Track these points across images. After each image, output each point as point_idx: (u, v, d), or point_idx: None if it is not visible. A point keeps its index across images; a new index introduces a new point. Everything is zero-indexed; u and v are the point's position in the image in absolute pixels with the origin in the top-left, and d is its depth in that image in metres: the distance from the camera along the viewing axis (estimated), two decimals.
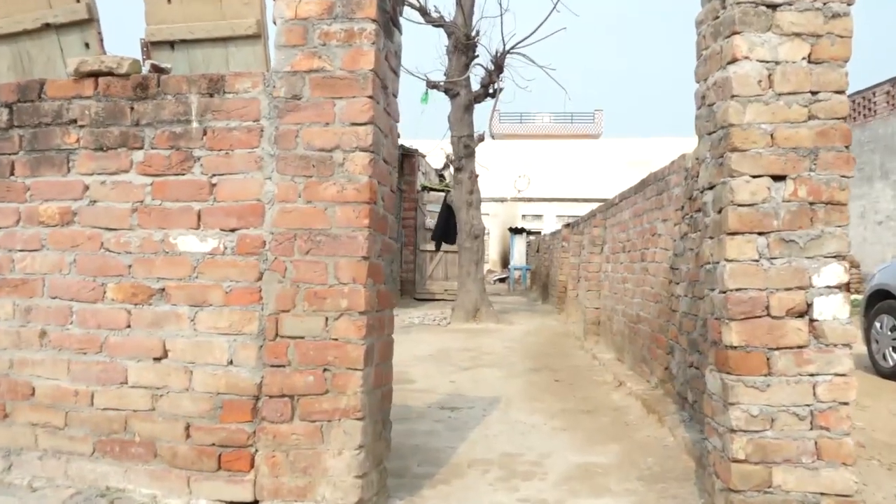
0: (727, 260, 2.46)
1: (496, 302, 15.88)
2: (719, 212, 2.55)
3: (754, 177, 2.45)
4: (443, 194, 14.71)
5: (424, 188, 15.94)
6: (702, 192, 2.76)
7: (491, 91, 11.17)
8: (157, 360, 2.73)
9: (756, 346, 2.42)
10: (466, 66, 10.74)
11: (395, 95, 3.00)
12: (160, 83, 2.78)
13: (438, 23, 10.77)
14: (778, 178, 2.46)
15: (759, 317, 2.43)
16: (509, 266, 23.64)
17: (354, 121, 2.63)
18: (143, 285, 2.76)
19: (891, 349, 6.02)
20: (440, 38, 11.11)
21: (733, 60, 2.46)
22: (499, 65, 10.94)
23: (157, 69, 2.84)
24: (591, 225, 8.68)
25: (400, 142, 14.86)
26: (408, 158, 15.11)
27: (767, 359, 2.42)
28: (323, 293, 2.62)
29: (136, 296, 2.76)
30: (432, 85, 11.11)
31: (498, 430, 4.21)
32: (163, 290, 2.75)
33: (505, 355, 7.64)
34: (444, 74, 10.95)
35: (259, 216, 2.68)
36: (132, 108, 2.79)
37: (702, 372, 3.86)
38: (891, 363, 6.00)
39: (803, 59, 2.45)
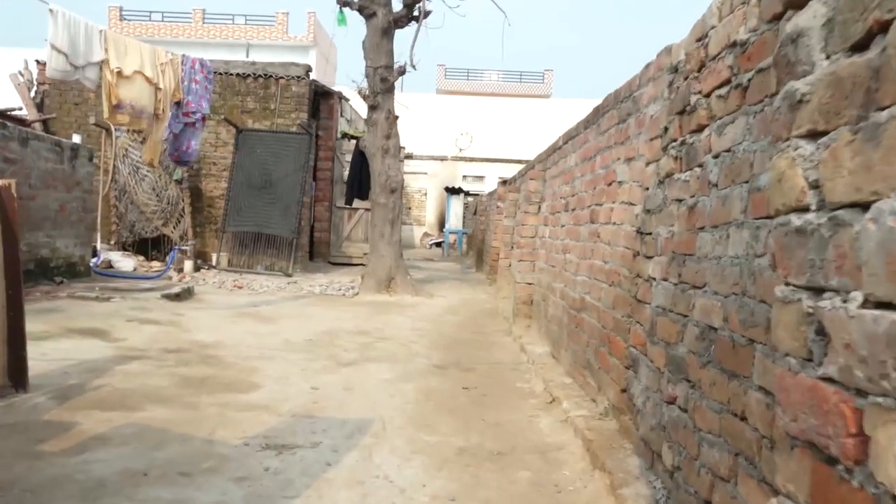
0: None
1: (426, 268, 14.06)
2: None
3: None
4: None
5: (345, 135, 13.81)
6: None
7: (415, 13, 9.14)
8: None
9: None
10: None
11: None
12: None
13: None
14: None
15: None
16: (444, 229, 21.83)
17: None
18: None
19: None
20: None
21: None
22: None
23: None
24: (527, 178, 6.89)
25: (315, 77, 12.68)
26: (325, 99, 12.95)
27: None
28: None
29: None
30: (344, 2, 9.01)
31: (338, 500, 2.42)
32: None
33: (409, 342, 5.84)
34: None
35: None
36: None
37: (694, 422, 2.12)
38: None
39: None
